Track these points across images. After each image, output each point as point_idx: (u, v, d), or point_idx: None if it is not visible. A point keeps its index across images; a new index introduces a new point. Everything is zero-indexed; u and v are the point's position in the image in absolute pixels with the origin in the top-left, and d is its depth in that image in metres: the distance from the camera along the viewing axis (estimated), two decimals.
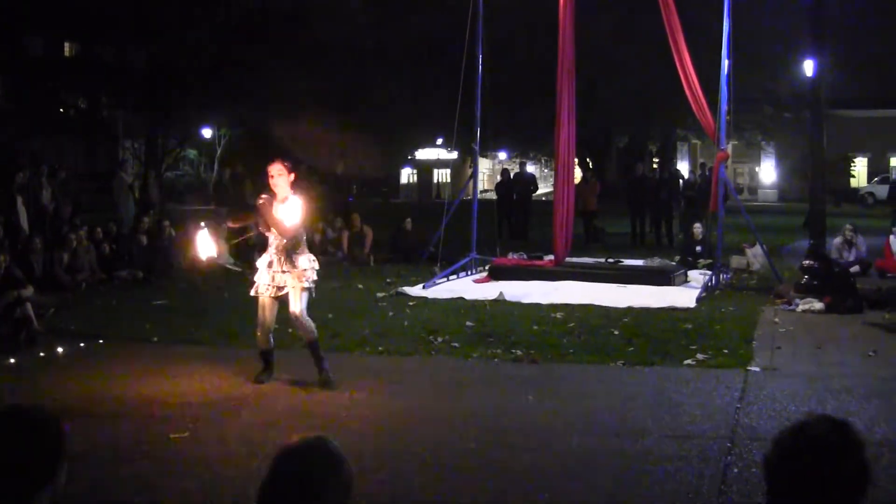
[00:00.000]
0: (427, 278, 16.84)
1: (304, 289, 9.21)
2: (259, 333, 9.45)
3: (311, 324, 9.30)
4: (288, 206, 9.12)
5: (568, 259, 18.20)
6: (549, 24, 19.31)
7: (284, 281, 9.22)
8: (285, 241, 9.15)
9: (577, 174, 28.16)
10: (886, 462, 6.71)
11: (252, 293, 9.42)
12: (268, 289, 9.26)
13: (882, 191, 47.68)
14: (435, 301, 15.11)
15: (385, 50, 35.62)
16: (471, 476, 6.80)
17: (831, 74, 25.66)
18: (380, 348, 11.34)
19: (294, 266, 9.19)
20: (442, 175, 65.54)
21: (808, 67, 22.02)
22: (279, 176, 9.12)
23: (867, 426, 7.61)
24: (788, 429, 2.72)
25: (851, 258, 19.04)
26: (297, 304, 9.17)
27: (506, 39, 30.41)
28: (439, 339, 11.79)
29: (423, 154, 63.81)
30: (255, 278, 9.41)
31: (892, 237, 19.47)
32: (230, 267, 17.74)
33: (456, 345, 11.51)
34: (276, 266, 9.23)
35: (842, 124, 51.21)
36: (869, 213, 43.55)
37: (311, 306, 9.43)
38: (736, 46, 17.18)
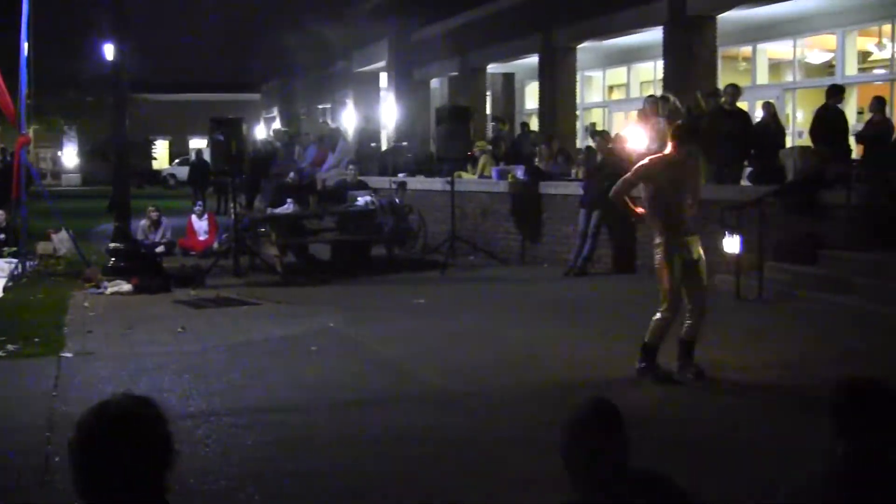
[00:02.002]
0: None
1: None
2: None
3: None
4: None
5: None
6: None
7: None
8: None
9: None
10: (203, 433, 7.12)
11: None
12: None
13: (183, 172, 49.44)
14: None
15: None
16: None
17: (133, 59, 26.05)
18: None
19: None
20: None
21: (109, 51, 22.16)
22: None
23: (182, 400, 8.00)
24: (90, 410, 2.82)
25: (157, 239, 19.69)
26: None
27: None
28: None
29: None
30: None
31: (193, 217, 20.45)
32: None
33: None
34: None
35: (144, 108, 52.13)
36: (171, 193, 45.07)
37: None
38: (38, 29, 16.83)
